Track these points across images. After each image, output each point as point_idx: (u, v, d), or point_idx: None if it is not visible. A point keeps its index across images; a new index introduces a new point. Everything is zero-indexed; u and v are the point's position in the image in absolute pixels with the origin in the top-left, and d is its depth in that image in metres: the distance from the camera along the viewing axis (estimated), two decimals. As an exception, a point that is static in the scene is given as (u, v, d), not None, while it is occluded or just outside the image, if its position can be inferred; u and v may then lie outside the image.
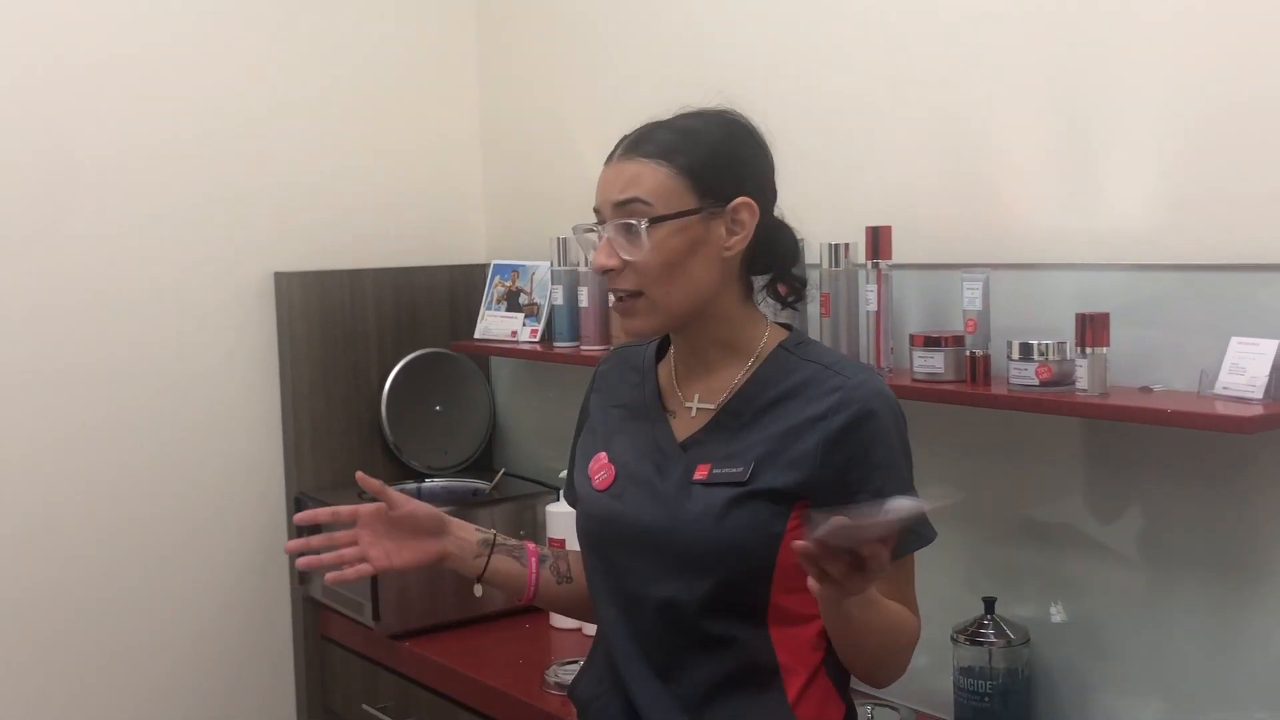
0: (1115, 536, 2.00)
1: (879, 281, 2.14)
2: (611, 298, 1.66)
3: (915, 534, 1.59)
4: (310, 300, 3.04)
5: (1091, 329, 1.86)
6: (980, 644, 2.07)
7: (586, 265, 1.60)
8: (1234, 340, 1.79)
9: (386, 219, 3.17)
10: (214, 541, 2.99)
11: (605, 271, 1.61)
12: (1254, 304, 1.79)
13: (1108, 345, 1.86)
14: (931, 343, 2.05)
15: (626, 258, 1.58)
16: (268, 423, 3.04)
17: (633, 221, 1.57)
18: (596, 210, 1.63)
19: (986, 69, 2.12)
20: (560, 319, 2.82)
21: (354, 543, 1.78)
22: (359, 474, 1.82)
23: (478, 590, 1.86)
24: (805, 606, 1.60)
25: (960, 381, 2.03)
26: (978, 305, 2.01)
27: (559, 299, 2.81)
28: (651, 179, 1.59)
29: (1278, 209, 1.78)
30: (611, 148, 1.65)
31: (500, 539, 1.84)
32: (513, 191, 3.25)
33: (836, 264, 2.19)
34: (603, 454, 1.73)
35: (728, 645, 1.59)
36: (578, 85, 3.03)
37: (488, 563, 1.80)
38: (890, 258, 2.14)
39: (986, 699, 2.05)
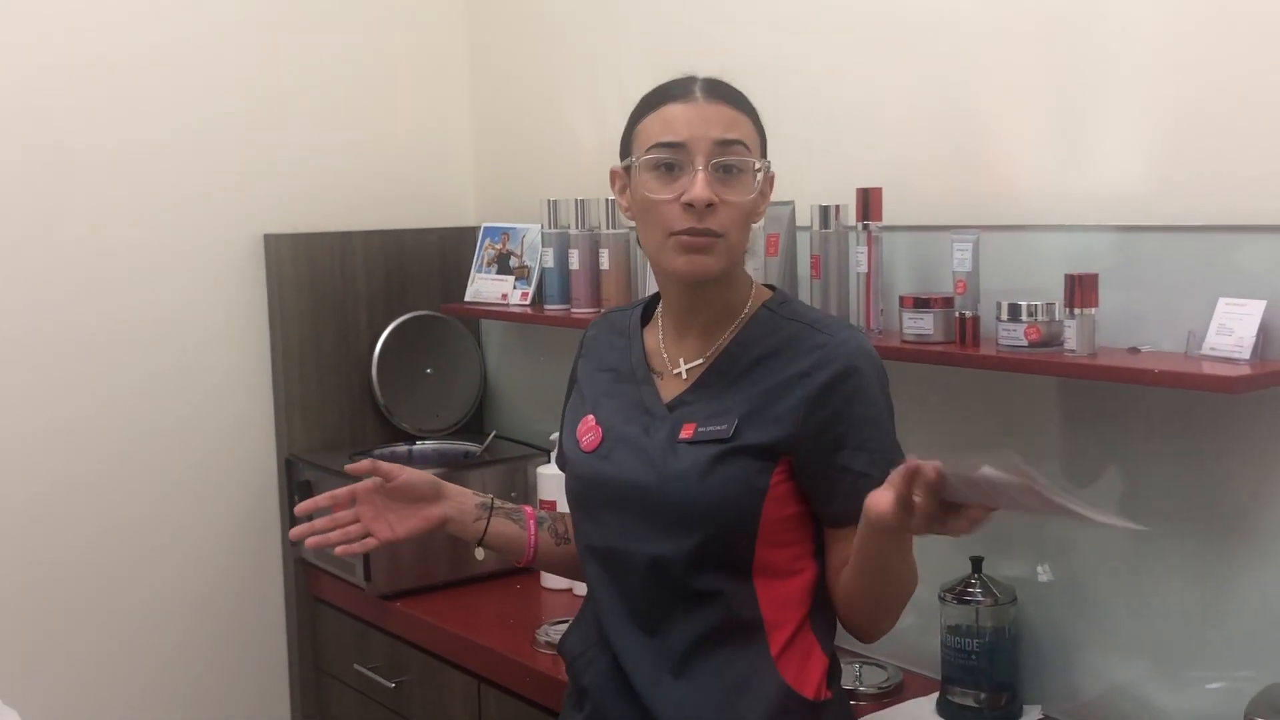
0: (1101, 496, 2.02)
1: (869, 243, 2.14)
2: (668, 235, 1.61)
3: None
4: (300, 263, 3.04)
5: (1080, 290, 1.87)
6: (968, 603, 2.09)
7: (646, 193, 1.53)
8: (1221, 301, 1.80)
9: (376, 182, 3.17)
10: (206, 504, 2.99)
11: (703, 206, 1.58)
12: (1241, 265, 1.80)
13: (1096, 306, 1.87)
14: (921, 304, 2.06)
15: (728, 197, 1.60)
16: (258, 385, 3.05)
17: (749, 162, 1.61)
18: (673, 145, 1.60)
19: (977, 32, 2.12)
20: (551, 282, 2.82)
21: (356, 520, 1.82)
22: (346, 466, 1.87)
23: (479, 554, 1.88)
24: (790, 561, 1.65)
25: (949, 342, 2.04)
26: (967, 267, 2.02)
27: (549, 261, 2.81)
28: (747, 127, 1.64)
29: (1264, 171, 1.78)
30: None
31: (497, 502, 1.87)
32: (502, 154, 3.24)
33: (827, 226, 2.20)
34: (590, 416, 1.76)
35: (713, 600, 1.62)
36: (567, 48, 3.02)
37: (487, 525, 1.84)
38: (881, 220, 2.15)
39: (974, 657, 2.07)
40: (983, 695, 2.07)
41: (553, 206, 2.82)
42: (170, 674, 2.96)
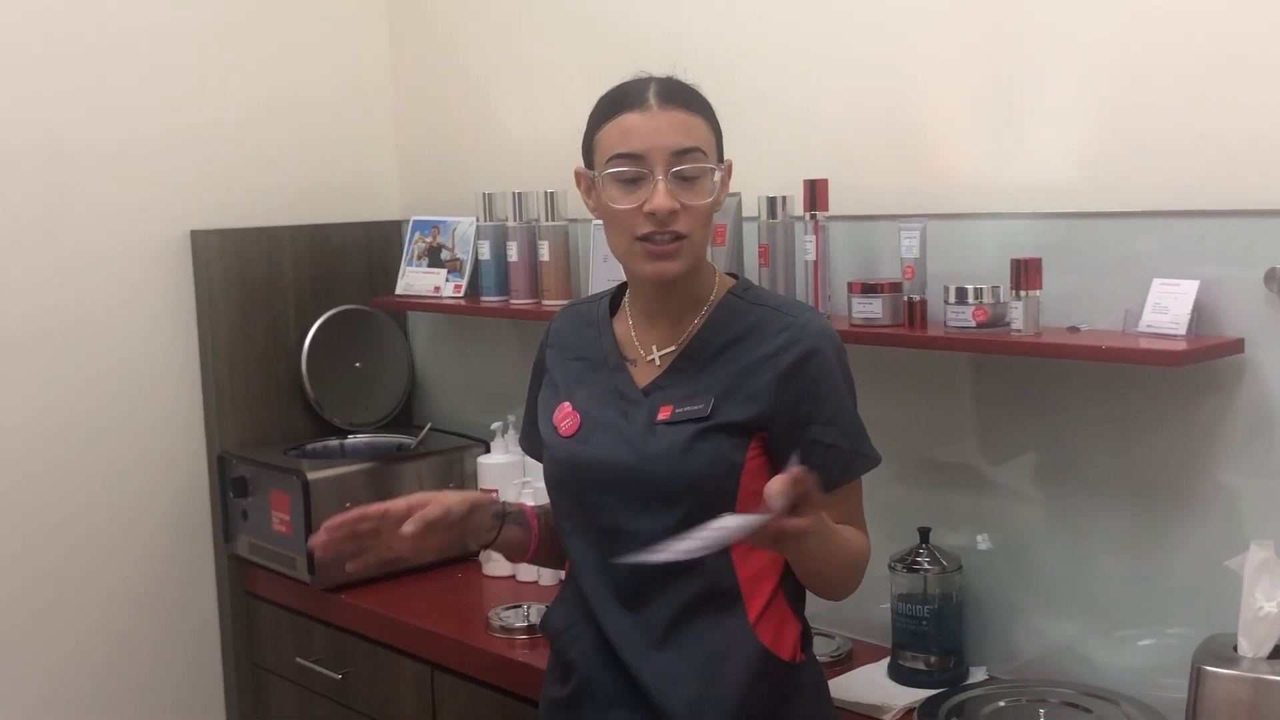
0: (1042, 468, 2.15)
1: (817, 232, 2.24)
2: (633, 240, 1.69)
3: (862, 456, 1.76)
4: (228, 258, 3.03)
5: (1025, 273, 1.99)
6: (916, 571, 2.20)
7: (600, 204, 1.60)
8: (1156, 281, 1.93)
9: (302, 176, 3.17)
10: (135, 503, 2.97)
11: (665, 215, 1.66)
12: (1174, 248, 1.94)
13: (1040, 288, 2.00)
14: (869, 289, 2.16)
15: (688, 202, 1.68)
16: (187, 382, 3.03)
17: (707, 167, 1.70)
18: (632, 155, 1.68)
19: (916, 27, 2.22)
20: (487, 274, 2.86)
21: (377, 533, 1.79)
22: (406, 529, 1.75)
23: (482, 555, 1.91)
24: None
25: (898, 325, 2.15)
26: (915, 253, 2.12)
27: (485, 254, 2.85)
28: (702, 131, 1.72)
29: (1195, 157, 1.92)
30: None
31: (509, 508, 1.90)
32: (427, 148, 3.27)
33: (774, 216, 2.29)
34: (566, 404, 1.83)
35: (693, 573, 1.68)
36: (493, 41, 3.06)
37: (499, 534, 1.87)
38: (827, 209, 2.24)
39: (923, 623, 2.18)
40: (932, 659, 2.18)
41: (488, 199, 2.86)
42: (102, 674, 2.93)
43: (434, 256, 3.06)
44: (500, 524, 1.86)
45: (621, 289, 1.90)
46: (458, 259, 3.01)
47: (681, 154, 1.68)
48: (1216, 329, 1.89)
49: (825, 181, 2.24)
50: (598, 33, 2.77)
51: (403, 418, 3.29)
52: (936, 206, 2.20)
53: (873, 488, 2.34)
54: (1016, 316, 2.00)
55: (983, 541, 2.23)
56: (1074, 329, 2.02)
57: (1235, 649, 1.79)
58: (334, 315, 3.16)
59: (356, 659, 2.73)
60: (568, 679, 1.82)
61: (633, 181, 1.69)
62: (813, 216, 2.24)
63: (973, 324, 2.03)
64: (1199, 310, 1.88)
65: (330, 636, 2.81)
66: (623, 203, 1.69)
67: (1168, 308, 1.90)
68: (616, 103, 1.73)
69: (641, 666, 1.72)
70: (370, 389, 3.23)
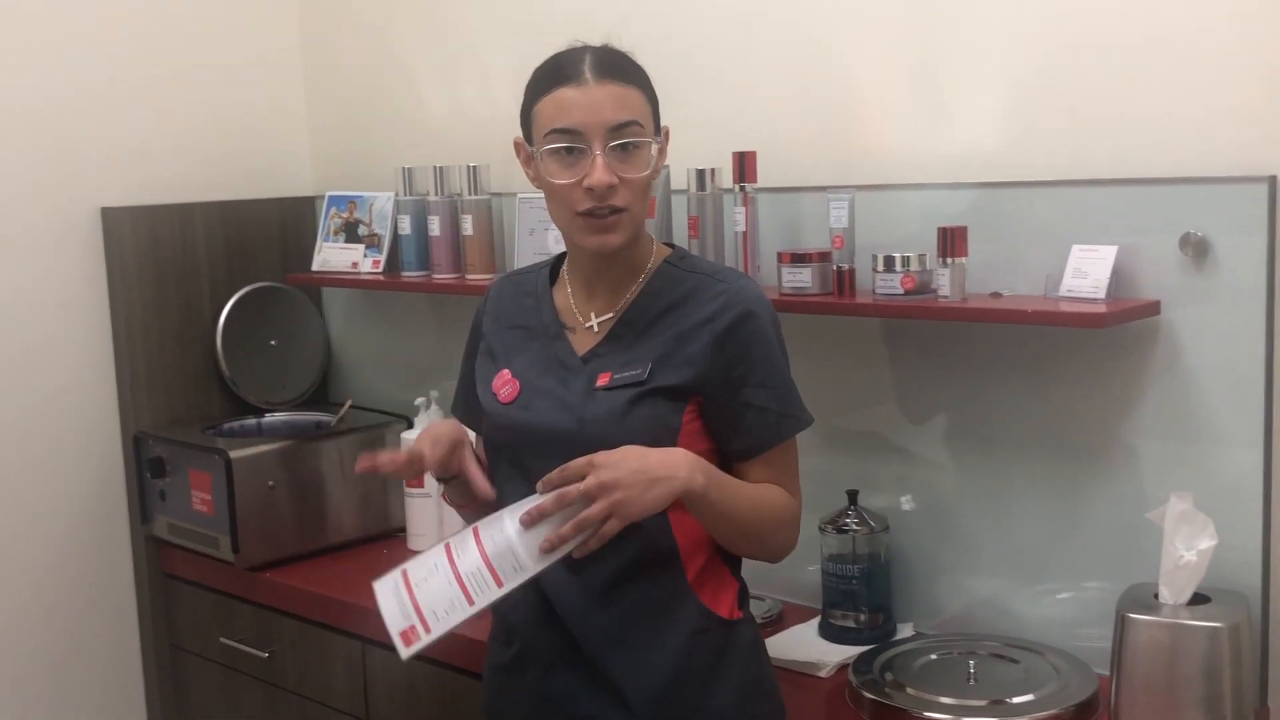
0: (966, 430, 2.22)
1: (746, 204, 2.28)
2: (574, 214, 1.73)
3: (792, 418, 1.80)
4: (140, 236, 2.98)
5: (952, 241, 2.06)
6: (845, 532, 2.26)
7: (542, 178, 1.56)
8: (1075, 248, 2.01)
9: (212, 152, 3.12)
10: (48, 486, 2.91)
11: (604, 189, 1.70)
12: (1092, 215, 2.02)
13: (966, 256, 2.06)
14: (799, 259, 2.21)
15: (626, 176, 1.71)
16: (100, 362, 2.98)
17: (644, 140, 1.73)
18: (570, 130, 1.70)
19: (846, 2, 2.27)
20: (408, 249, 2.86)
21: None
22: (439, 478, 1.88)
23: (440, 490, 1.95)
24: None
25: (827, 294, 2.20)
26: (844, 223, 2.18)
27: (406, 229, 2.85)
28: (638, 103, 1.74)
29: (1111, 128, 2.01)
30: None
31: (476, 448, 1.91)
32: (341, 122, 3.25)
33: (703, 188, 2.33)
34: (505, 371, 1.86)
35: (632, 533, 1.68)
36: (407, 15, 3.05)
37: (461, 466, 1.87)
38: (756, 181, 2.29)
39: (852, 581, 2.25)
40: (861, 616, 2.25)
41: (408, 174, 2.86)
42: (17, 658, 2.88)
43: (351, 232, 3.04)
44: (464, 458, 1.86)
45: (560, 259, 1.93)
46: (376, 234, 3.00)
47: (618, 128, 1.71)
48: (1134, 292, 1.98)
49: (754, 154, 2.29)
50: (518, 4, 2.78)
51: (319, 395, 3.27)
52: (862, 178, 2.25)
53: (803, 452, 2.41)
54: (943, 283, 2.07)
55: (907, 502, 2.30)
56: (997, 295, 2.10)
57: (1156, 597, 1.88)
58: (248, 293, 3.13)
59: (284, 637, 2.72)
60: (510, 642, 1.85)
61: (569, 153, 1.71)
62: (742, 188, 2.28)
63: (901, 291, 2.09)
64: (1117, 275, 1.97)
65: (255, 615, 2.79)
66: (561, 178, 1.72)
67: (1087, 273, 1.98)
68: (552, 76, 1.75)
69: (582, 627, 1.76)
70: (286, 367, 3.21)
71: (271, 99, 3.24)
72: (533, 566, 1.60)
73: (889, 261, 2.10)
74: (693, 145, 2.40)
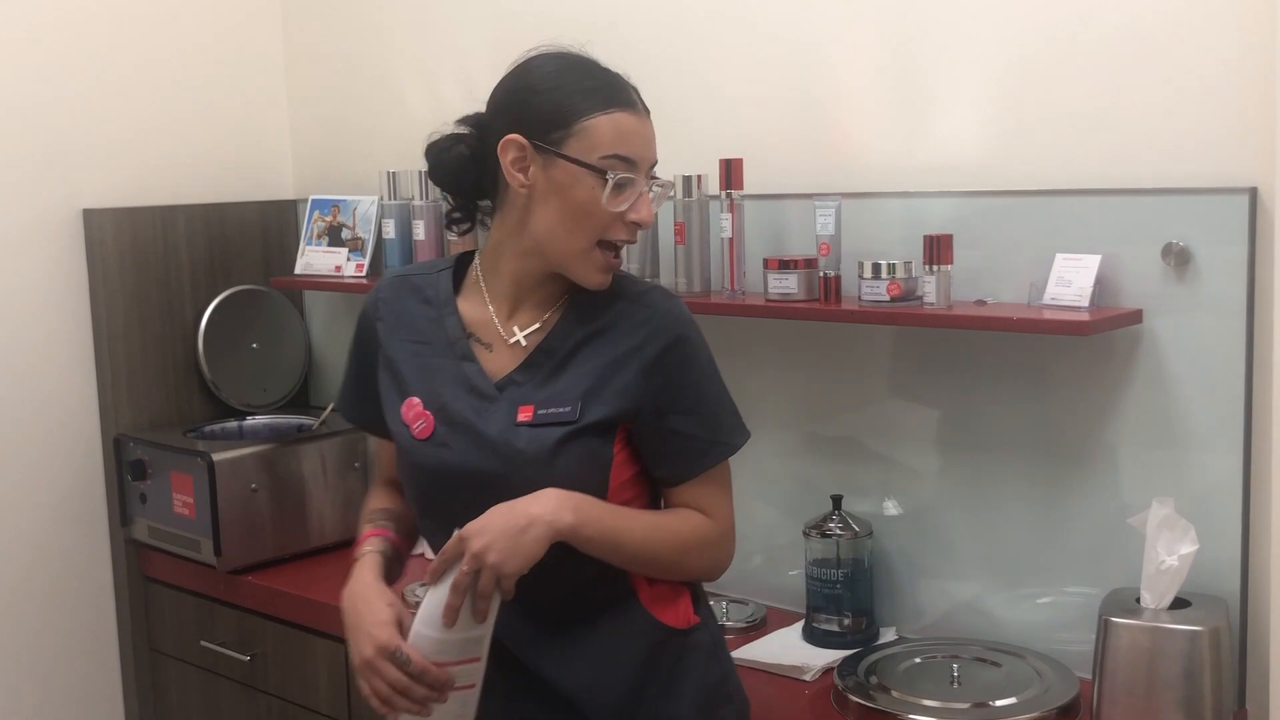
0: (949, 436, 2.25)
1: (732, 210, 2.30)
2: (595, 243, 1.64)
3: (722, 445, 1.71)
4: (122, 238, 2.97)
5: (937, 248, 2.08)
6: (829, 537, 2.28)
7: (621, 208, 1.62)
8: (1059, 256, 2.04)
9: (194, 155, 3.12)
10: (28, 488, 2.90)
11: (647, 226, 1.68)
12: (1075, 224, 2.05)
13: (951, 263, 2.09)
14: (785, 265, 2.23)
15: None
16: (81, 364, 2.97)
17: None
18: (630, 160, 1.63)
19: (831, 11, 2.30)
20: (391, 252, 2.86)
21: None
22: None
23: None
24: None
25: (813, 300, 2.22)
26: (830, 230, 2.20)
27: (390, 233, 2.85)
28: None
29: (1093, 137, 2.03)
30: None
31: (386, 552, 1.76)
32: (323, 127, 3.25)
33: (689, 195, 2.35)
34: (416, 400, 1.71)
35: (577, 562, 1.63)
36: (390, 19, 3.05)
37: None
38: (742, 188, 2.31)
39: (836, 586, 2.27)
40: (845, 620, 2.27)
41: (392, 178, 2.86)
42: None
43: (334, 236, 3.05)
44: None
45: (460, 262, 1.78)
46: (359, 238, 3.01)
47: (653, 166, 1.69)
48: (1117, 301, 2.01)
49: (740, 161, 2.30)
50: (503, 6, 2.79)
51: (300, 399, 3.27)
52: (847, 186, 2.27)
53: (786, 457, 2.44)
54: (929, 290, 2.09)
55: (891, 507, 2.32)
56: (981, 302, 2.12)
57: (1138, 601, 1.91)
58: (230, 295, 3.13)
59: (265, 640, 2.72)
60: None
61: (621, 185, 1.62)
62: (728, 195, 2.30)
63: (887, 298, 2.11)
64: (1100, 283, 1.99)
65: (236, 619, 2.79)
66: (614, 205, 1.62)
67: (1070, 281, 2.01)
68: (608, 96, 1.64)
69: (538, 658, 1.69)
70: (267, 370, 3.20)
71: (255, 102, 3.23)
72: (477, 647, 1.60)
73: (876, 268, 2.12)
74: (679, 152, 2.42)
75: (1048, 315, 1.99)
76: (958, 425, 2.24)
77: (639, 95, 1.68)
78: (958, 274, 2.12)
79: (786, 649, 2.25)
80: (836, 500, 2.31)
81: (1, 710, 2.88)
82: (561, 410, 1.64)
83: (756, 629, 2.37)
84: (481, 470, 1.64)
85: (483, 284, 1.74)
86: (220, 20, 3.16)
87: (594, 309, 1.69)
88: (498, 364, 1.70)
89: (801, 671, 2.15)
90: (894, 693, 1.99)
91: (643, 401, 1.65)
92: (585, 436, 1.64)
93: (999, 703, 1.96)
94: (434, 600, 1.58)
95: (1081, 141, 2.05)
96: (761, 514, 2.48)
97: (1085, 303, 1.98)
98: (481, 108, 1.76)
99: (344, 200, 3.05)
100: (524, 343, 1.70)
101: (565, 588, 1.68)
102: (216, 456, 2.73)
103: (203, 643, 2.84)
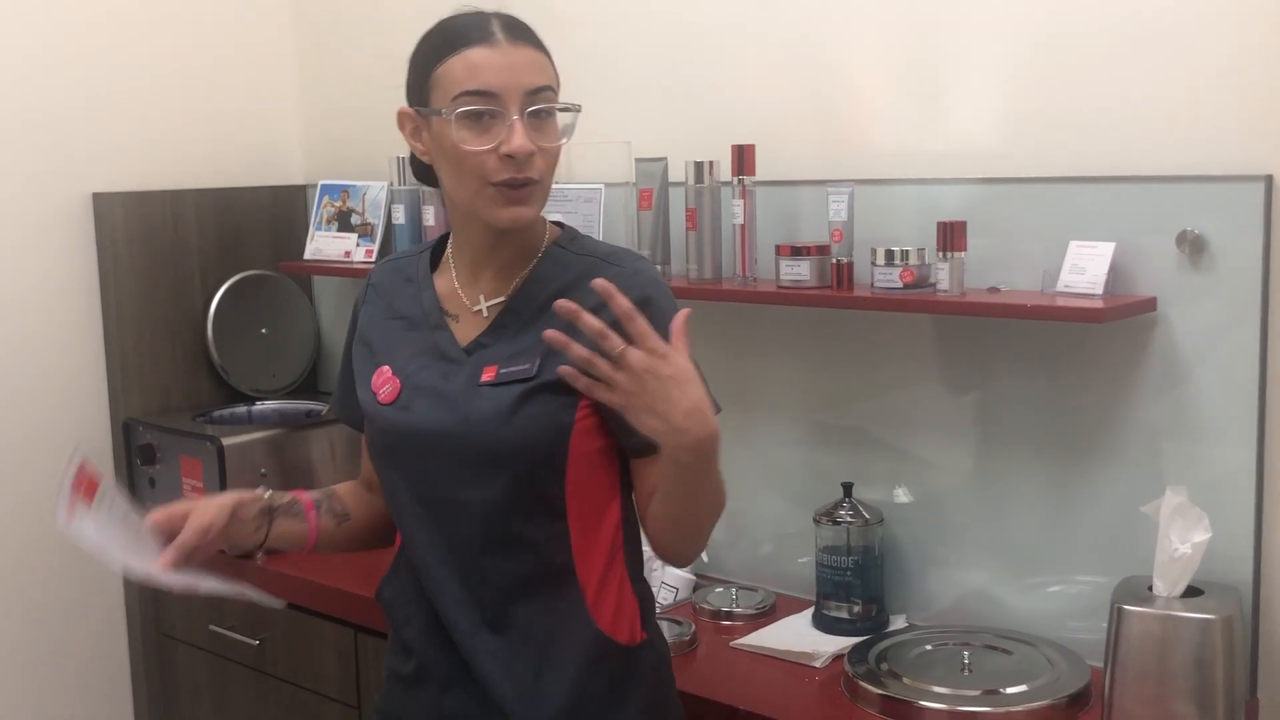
0: (960, 423, 2.24)
1: (744, 196, 2.30)
2: (485, 184, 1.58)
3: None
4: (131, 222, 2.97)
5: (951, 235, 2.07)
6: (839, 524, 2.28)
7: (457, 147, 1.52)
8: (1073, 244, 2.04)
9: (204, 139, 3.12)
10: (36, 472, 2.89)
11: (524, 157, 1.57)
12: (1089, 211, 2.04)
13: (965, 250, 2.08)
14: (797, 252, 2.23)
15: (543, 144, 1.59)
16: (90, 348, 2.97)
17: (557, 105, 1.61)
18: (484, 92, 1.56)
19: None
20: (401, 238, 2.86)
21: None
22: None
23: (259, 558, 1.81)
24: (598, 501, 1.66)
25: (825, 287, 2.22)
26: (843, 217, 2.19)
27: (400, 218, 2.85)
28: (550, 69, 1.63)
29: (1109, 125, 2.03)
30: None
31: (276, 500, 1.78)
32: (332, 113, 3.24)
33: (701, 181, 2.34)
34: (385, 368, 1.71)
35: (527, 546, 1.62)
36: (401, 7, 3.04)
37: (267, 533, 1.78)
38: (755, 174, 2.30)
39: (846, 573, 2.27)
40: (855, 608, 2.27)
41: (402, 163, 2.85)
42: (1, 646, 2.87)
43: (343, 221, 3.04)
44: (268, 522, 1.76)
45: (441, 242, 1.79)
46: (369, 223, 3.00)
47: (535, 93, 1.58)
48: (1130, 289, 2.00)
49: (753, 147, 2.30)
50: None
51: (309, 384, 3.27)
52: (860, 172, 2.27)
53: (797, 444, 2.43)
54: (942, 277, 2.08)
55: (901, 495, 2.32)
56: (994, 289, 2.12)
57: (1150, 589, 1.90)
58: (239, 280, 3.12)
59: (274, 625, 2.72)
60: (408, 656, 1.75)
61: (480, 118, 1.57)
62: (741, 181, 2.30)
63: (900, 285, 2.11)
64: (1114, 271, 1.99)
65: (246, 603, 2.77)
66: (474, 144, 1.56)
67: (1084, 268, 2.01)
68: (459, 36, 1.60)
69: (473, 648, 1.65)
70: (276, 355, 3.20)
71: (265, 87, 3.23)
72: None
73: (889, 255, 2.12)
74: (691, 138, 2.43)
75: (1061, 303, 1.99)
76: (970, 413, 2.23)
77: (509, 26, 1.60)
78: (971, 261, 2.11)
79: (796, 636, 2.25)
80: (847, 488, 2.30)
81: (12, 694, 2.89)
82: (521, 368, 1.61)
83: (766, 616, 2.37)
84: (439, 429, 1.62)
85: (451, 258, 1.74)
86: (231, 5, 3.15)
87: (560, 269, 1.67)
88: (466, 332, 1.68)
89: (812, 658, 2.15)
90: (905, 679, 1.99)
91: None
92: (544, 395, 1.60)
93: (1010, 690, 1.96)
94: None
95: (1096, 128, 2.04)
96: (771, 501, 2.48)
97: (1099, 290, 1.98)
98: None
99: (354, 185, 3.04)
100: (485, 313, 1.68)
101: (511, 579, 1.64)
102: (226, 441, 2.73)
103: (211, 627, 2.84)
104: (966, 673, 2.03)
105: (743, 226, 2.30)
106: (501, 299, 1.67)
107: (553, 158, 1.63)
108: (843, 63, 2.31)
